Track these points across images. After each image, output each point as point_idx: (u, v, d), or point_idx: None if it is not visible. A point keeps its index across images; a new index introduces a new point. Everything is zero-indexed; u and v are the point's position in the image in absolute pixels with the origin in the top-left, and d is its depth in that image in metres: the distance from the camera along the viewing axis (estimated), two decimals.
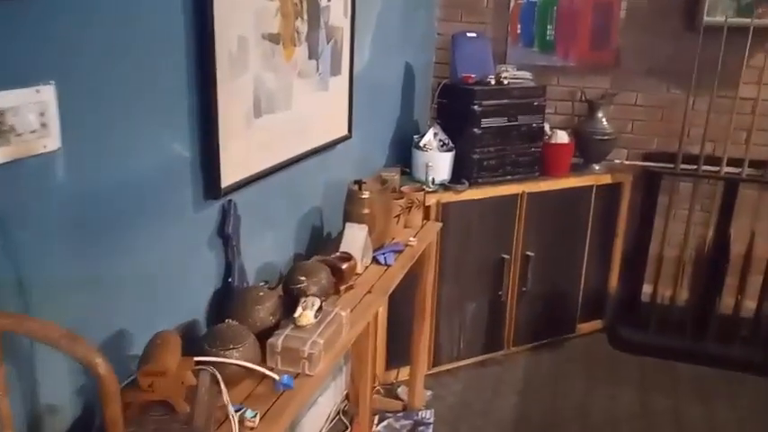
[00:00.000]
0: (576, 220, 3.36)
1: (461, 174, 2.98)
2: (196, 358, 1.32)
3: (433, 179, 2.90)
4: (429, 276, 2.63)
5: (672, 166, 3.45)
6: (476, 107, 2.94)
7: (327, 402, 2.61)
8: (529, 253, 3.21)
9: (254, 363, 1.42)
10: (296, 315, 1.53)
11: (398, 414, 2.74)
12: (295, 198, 2.15)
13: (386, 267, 2.14)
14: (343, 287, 1.89)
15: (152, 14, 1.34)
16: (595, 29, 3.48)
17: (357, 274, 2.02)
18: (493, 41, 3.37)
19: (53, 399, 1.20)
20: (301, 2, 1.96)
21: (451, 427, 2.78)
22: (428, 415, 2.73)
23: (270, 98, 1.83)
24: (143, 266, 1.40)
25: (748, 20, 3.16)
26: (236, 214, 1.72)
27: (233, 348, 1.40)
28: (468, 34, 3.18)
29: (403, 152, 3.10)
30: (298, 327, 1.52)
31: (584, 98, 3.50)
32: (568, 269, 3.42)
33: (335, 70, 2.27)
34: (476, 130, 2.96)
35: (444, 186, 2.93)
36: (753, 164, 3.34)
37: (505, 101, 3.02)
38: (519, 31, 3.55)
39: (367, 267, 2.12)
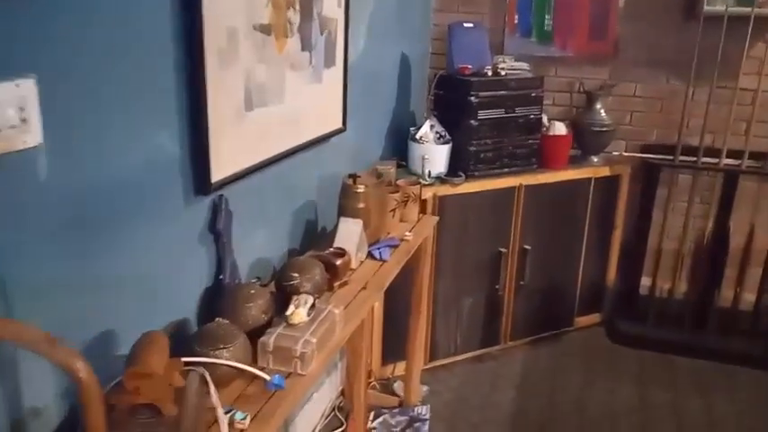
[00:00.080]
0: (574, 213, 3.32)
1: (458, 166, 2.94)
2: (185, 359, 1.29)
3: (430, 172, 2.86)
4: (425, 271, 2.60)
5: (671, 157, 3.42)
6: (472, 98, 2.90)
7: (322, 398, 2.58)
8: (526, 246, 3.18)
9: (244, 363, 1.39)
10: (288, 313, 1.49)
11: (394, 410, 2.72)
12: (288, 192, 2.11)
13: (381, 262, 2.11)
14: (337, 283, 1.86)
15: (138, 6, 1.30)
16: (594, 19, 3.43)
17: (351, 269, 1.99)
18: (490, 32, 3.33)
19: (37, 401, 1.17)
20: None
21: (448, 422, 2.76)
22: (424, 411, 2.71)
23: (261, 91, 1.79)
24: (131, 265, 1.36)
25: (749, 9, 3.11)
26: (228, 210, 1.69)
27: (223, 348, 1.36)
28: (465, 24, 3.13)
29: (399, 144, 3.06)
30: (290, 325, 1.49)
31: (582, 89, 3.46)
32: (566, 262, 3.39)
33: (329, 62, 2.23)
34: (473, 121, 2.92)
35: (441, 179, 2.89)
36: (753, 155, 3.31)
37: (503, 92, 2.98)
38: (516, 21, 3.50)
39: (362, 263, 2.08)
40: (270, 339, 1.44)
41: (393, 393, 2.86)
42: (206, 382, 1.29)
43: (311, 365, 1.45)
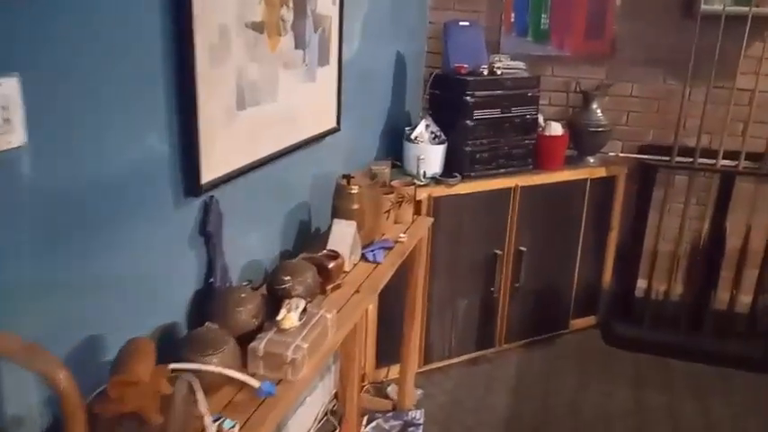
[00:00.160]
0: (570, 215, 3.30)
1: (453, 167, 2.91)
2: (171, 365, 1.25)
3: (425, 172, 2.83)
4: (420, 273, 2.57)
5: (667, 158, 3.39)
6: (468, 98, 2.87)
7: (315, 402, 2.55)
8: (522, 248, 3.15)
9: (234, 369, 1.35)
10: (279, 318, 1.46)
11: (388, 414, 2.68)
12: (281, 193, 2.07)
13: (375, 265, 2.07)
14: (329, 286, 1.82)
15: (125, 2, 1.26)
16: (591, 18, 3.40)
17: (345, 272, 1.95)
18: (486, 30, 3.30)
19: (20, 409, 1.13)
20: None
21: (442, 426, 2.73)
22: (418, 415, 2.67)
23: (254, 90, 1.76)
24: (118, 268, 1.33)
25: (746, 8, 3.09)
26: (219, 211, 1.65)
27: (212, 354, 1.32)
28: (461, 23, 3.10)
29: (394, 144, 3.02)
30: (281, 330, 1.45)
31: (578, 89, 3.43)
32: (562, 264, 3.37)
33: (323, 60, 2.19)
34: (468, 121, 2.89)
35: (436, 180, 2.86)
36: (749, 156, 3.29)
37: (499, 92, 2.95)
38: (513, 20, 3.47)
39: (355, 265, 2.05)
40: (260, 345, 1.40)
41: (387, 397, 2.83)
42: (194, 390, 1.25)
43: (302, 372, 1.42)
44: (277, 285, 1.65)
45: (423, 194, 2.75)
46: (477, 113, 2.90)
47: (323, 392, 2.60)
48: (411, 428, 2.61)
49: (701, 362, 3.26)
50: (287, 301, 1.51)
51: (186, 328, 1.59)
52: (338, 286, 1.87)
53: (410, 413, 2.69)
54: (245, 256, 1.86)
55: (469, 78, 2.88)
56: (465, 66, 2.95)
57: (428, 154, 2.85)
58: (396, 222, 2.43)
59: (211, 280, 1.65)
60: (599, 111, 3.32)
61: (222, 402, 1.33)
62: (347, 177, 2.13)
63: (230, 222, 1.71)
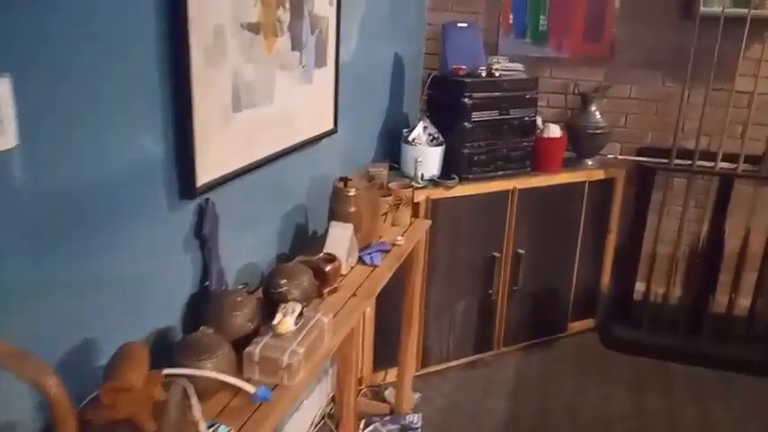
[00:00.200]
0: (568, 217, 3.28)
1: (451, 169, 2.90)
2: (165, 371, 1.23)
3: (423, 174, 2.81)
4: (417, 276, 2.55)
5: (666, 161, 3.38)
6: (466, 100, 2.85)
7: (312, 406, 2.53)
8: (520, 250, 3.13)
9: (229, 374, 1.33)
10: (275, 322, 1.44)
11: (385, 418, 2.66)
12: (278, 195, 2.06)
13: (372, 268, 2.05)
14: (326, 290, 1.81)
15: (119, 3, 1.24)
16: (589, 19, 3.39)
17: (342, 275, 1.94)
18: (484, 32, 3.29)
19: (11, 414, 1.11)
20: None
21: (439, 430, 2.71)
22: (415, 419, 2.66)
23: (250, 91, 1.74)
24: (112, 271, 1.31)
25: (745, 10, 3.08)
26: (214, 214, 1.63)
27: (206, 359, 1.31)
28: (459, 24, 3.09)
29: (391, 146, 3.01)
30: (277, 335, 1.44)
31: (577, 91, 3.42)
32: (560, 267, 3.35)
33: (320, 62, 2.17)
34: (466, 123, 2.88)
35: (434, 182, 2.84)
36: (748, 159, 3.28)
37: (497, 93, 2.93)
38: (511, 22, 3.46)
39: (352, 268, 2.03)
40: (256, 350, 1.38)
41: (384, 401, 2.81)
42: (188, 395, 1.23)
43: (299, 377, 1.40)
44: (273, 289, 1.64)
45: (420, 197, 2.74)
46: (475, 115, 2.88)
47: (320, 396, 2.58)
48: None
49: (701, 365, 3.24)
50: (283, 306, 1.49)
51: (181, 331, 1.57)
52: (335, 290, 1.85)
53: (408, 417, 2.67)
54: (242, 259, 1.84)
55: (467, 80, 2.87)
56: (463, 67, 2.94)
57: (426, 156, 2.83)
58: (393, 225, 2.42)
59: (207, 283, 1.63)
60: (597, 113, 3.30)
61: (217, 408, 1.32)
62: (344, 180, 2.11)
63: (226, 225, 1.69)
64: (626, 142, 3.53)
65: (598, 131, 3.30)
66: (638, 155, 3.52)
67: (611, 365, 3.27)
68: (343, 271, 1.95)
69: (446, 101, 2.96)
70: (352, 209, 2.09)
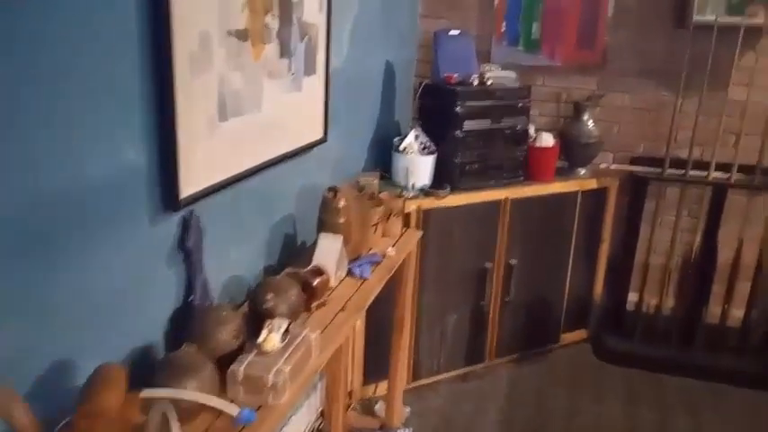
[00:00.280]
0: (561, 227, 3.24)
1: (443, 178, 2.85)
2: (143, 392, 1.18)
3: (414, 184, 2.77)
4: (408, 287, 2.50)
5: (659, 170, 3.35)
6: (458, 108, 2.82)
7: (301, 420, 2.47)
8: (512, 261, 3.09)
9: (212, 394, 1.28)
10: (260, 339, 1.39)
11: None
12: (266, 206, 2.00)
13: (362, 281, 2.01)
14: (314, 304, 1.76)
15: (100, 7, 1.19)
16: (582, 27, 3.37)
17: (330, 288, 1.89)
18: (477, 39, 3.25)
19: None
20: None
21: None
22: None
23: (237, 100, 1.69)
24: (90, 287, 1.25)
25: (739, 18, 3.06)
26: (199, 226, 1.58)
27: (188, 379, 1.25)
28: (451, 32, 3.06)
29: (383, 155, 2.96)
30: (262, 352, 1.39)
31: (567, 100, 3.39)
32: (552, 277, 3.31)
33: (309, 69, 2.13)
34: (458, 132, 2.84)
35: (425, 192, 2.80)
36: (741, 169, 3.25)
37: (489, 102, 2.90)
38: (504, 29, 3.43)
39: (342, 281, 1.98)
40: (240, 368, 1.33)
41: (374, 415, 2.76)
42: (168, 418, 1.18)
43: (284, 396, 1.35)
44: (259, 304, 1.58)
45: (412, 207, 2.69)
46: (467, 124, 2.85)
47: (308, 411, 2.52)
48: None
49: (693, 377, 3.21)
50: (268, 322, 1.44)
51: (164, 348, 1.51)
52: (323, 303, 1.80)
53: (398, 431, 2.62)
54: (228, 272, 1.79)
55: (459, 88, 2.83)
56: (455, 75, 2.90)
57: (417, 165, 2.79)
58: (384, 236, 2.37)
59: (191, 298, 1.57)
60: (590, 122, 3.27)
61: (200, 430, 1.26)
62: (334, 190, 2.06)
63: (211, 237, 1.64)
64: (619, 151, 3.50)
65: (591, 140, 3.27)
66: (631, 164, 3.49)
67: (603, 377, 3.23)
68: (332, 284, 1.90)
69: (438, 109, 2.93)
70: (342, 220, 2.04)
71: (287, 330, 1.45)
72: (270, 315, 1.55)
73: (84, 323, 1.25)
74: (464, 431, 2.76)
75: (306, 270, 1.80)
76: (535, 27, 3.40)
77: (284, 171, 2.05)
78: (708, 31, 3.09)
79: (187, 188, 1.50)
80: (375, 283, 2.02)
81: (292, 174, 2.14)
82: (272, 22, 1.84)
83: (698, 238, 3.42)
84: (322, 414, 2.58)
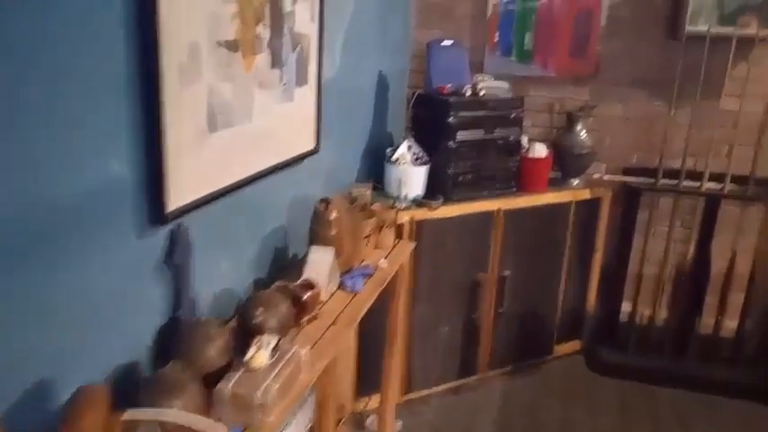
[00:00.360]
0: (554, 238, 3.23)
1: (436, 189, 2.83)
2: (126, 414, 1.15)
3: (406, 195, 2.75)
4: (401, 299, 2.47)
5: (652, 180, 3.35)
6: (451, 119, 2.80)
7: None
8: (505, 272, 3.07)
9: (198, 413, 1.25)
10: (248, 357, 1.36)
11: None
12: (256, 218, 1.98)
13: (353, 294, 1.98)
14: (305, 318, 1.73)
15: (85, 13, 1.17)
16: (575, 38, 3.36)
17: (321, 302, 1.86)
18: (470, 50, 3.24)
19: None
20: (263, 5, 1.79)
21: None
22: None
23: (227, 111, 1.67)
24: (73, 303, 1.22)
25: (731, 29, 3.07)
26: (187, 240, 1.55)
27: (173, 398, 1.22)
28: (444, 42, 3.05)
29: (375, 166, 2.94)
30: (250, 370, 1.36)
31: (560, 111, 3.38)
32: (546, 289, 3.29)
33: (301, 80, 2.11)
34: (451, 143, 2.82)
35: (418, 203, 2.78)
36: (735, 179, 3.25)
37: (482, 112, 2.89)
38: (497, 40, 3.42)
39: (333, 294, 1.95)
40: (227, 387, 1.30)
41: (366, 429, 2.72)
42: None
43: (273, 415, 1.32)
44: (248, 319, 1.55)
45: (404, 218, 2.67)
46: (460, 135, 2.83)
47: (297, 427, 2.49)
48: None
49: (687, 388, 3.20)
50: (257, 338, 1.41)
51: (150, 365, 1.48)
52: (314, 318, 1.77)
53: None
54: (216, 286, 1.76)
55: (452, 99, 2.82)
56: (448, 86, 2.89)
57: (410, 176, 2.77)
58: (376, 247, 2.34)
59: (178, 313, 1.54)
60: (583, 132, 3.26)
61: None
62: (325, 202, 2.04)
63: (200, 250, 1.61)
64: (612, 162, 3.49)
65: (584, 151, 3.26)
66: (624, 174, 3.48)
67: (597, 389, 3.21)
68: (323, 297, 1.87)
69: (431, 120, 2.91)
70: (334, 232, 2.01)
71: (276, 347, 1.42)
72: (259, 330, 1.52)
73: (66, 340, 1.22)
74: None
75: (296, 284, 1.77)
76: (528, 37, 3.39)
77: (275, 182, 2.03)
78: (700, 41, 3.09)
79: (175, 201, 1.47)
80: (367, 296, 1.99)
81: (284, 185, 2.12)
82: (264, 32, 1.81)
83: (691, 249, 3.41)
84: (312, 430, 2.55)
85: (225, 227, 1.77)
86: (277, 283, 1.80)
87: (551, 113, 3.49)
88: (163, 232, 1.48)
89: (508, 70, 3.39)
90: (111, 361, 1.35)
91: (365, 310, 1.93)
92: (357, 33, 2.65)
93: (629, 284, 3.48)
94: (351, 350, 2.65)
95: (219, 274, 1.78)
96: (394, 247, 2.40)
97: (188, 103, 1.48)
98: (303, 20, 2.07)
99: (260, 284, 1.98)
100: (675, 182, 3.30)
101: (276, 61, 1.91)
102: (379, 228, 2.33)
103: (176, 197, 1.47)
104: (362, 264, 2.18)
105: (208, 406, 1.30)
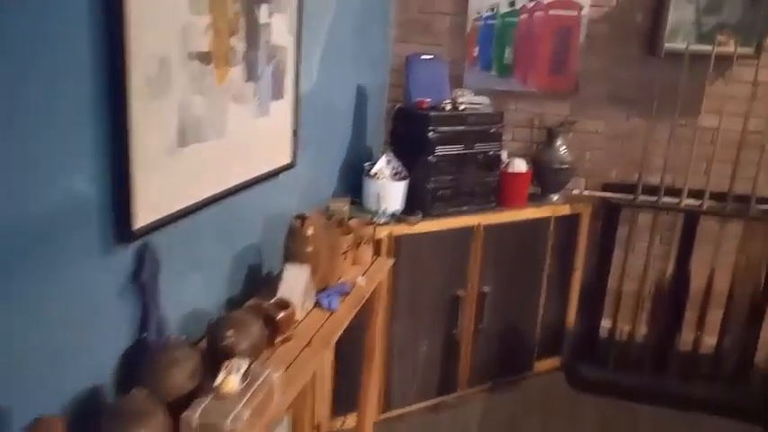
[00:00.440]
0: (534, 253, 3.20)
1: (415, 204, 2.80)
2: None
3: (385, 210, 2.71)
4: (379, 317, 2.43)
5: (631, 196, 3.34)
6: (430, 134, 2.77)
7: None
8: (485, 288, 3.03)
9: None
10: (217, 382, 1.30)
11: None
12: (229, 235, 1.92)
13: (330, 312, 1.93)
14: (278, 339, 1.67)
15: (47, 23, 1.11)
16: (555, 53, 3.35)
17: (296, 321, 1.80)
18: (450, 64, 3.22)
19: None
20: (238, 17, 1.75)
21: None
22: None
23: (198, 125, 1.61)
24: (31, 326, 1.16)
25: (709, 47, 3.08)
26: (155, 258, 1.49)
27: (136, 427, 1.16)
28: (423, 56, 3.02)
29: (354, 180, 2.89)
30: (220, 396, 1.30)
31: (539, 126, 3.37)
32: (525, 305, 3.26)
33: (277, 94, 2.06)
34: (430, 157, 2.79)
35: (397, 218, 2.74)
36: (713, 196, 3.25)
37: (461, 127, 2.86)
38: (476, 54, 3.40)
39: (309, 313, 1.90)
40: (194, 415, 1.24)
41: None
42: None
43: None
44: (218, 341, 1.49)
45: (383, 233, 2.63)
46: (440, 149, 2.80)
47: None
48: None
49: (666, 405, 3.18)
50: (227, 363, 1.35)
51: (115, 391, 1.41)
52: (288, 338, 1.72)
53: None
54: (187, 306, 1.70)
55: (431, 113, 2.79)
56: (427, 100, 2.86)
57: (389, 191, 2.73)
58: (354, 264, 2.30)
59: (145, 335, 1.48)
60: (563, 147, 3.25)
61: None
62: (301, 218, 1.99)
63: (169, 269, 1.55)
64: (591, 177, 3.48)
65: (563, 166, 3.24)
66: (604, 190, 3.47)
67: (577, 406, 3.18)
68: (299, 316, 1.82)
69: (410, 134, 2.88)
70: (310, 248, 1.96)
71: (247, 371, 1.37)
72: (230, 352, 1.46)
73: (23, 367, 1.15)
74: None
75: (269, 303, 1.71)
76: (508, 52, 3.38)
77: (249, 198, 1.97)
78: (679, 58, 3.10)
79: (143, 217, 1.41)
80: (344, 314, 1.94)
81: (258, 200, 2.06)
82: (238, 44, 1.77)
83: (670, 265, 3.41)
84: None
85: (196, 244, 1.72)
86: (249, 303, 1.75)
87: (531, 128, 3.48)
88: (129, 250, 1.42)
89: (488, 85, 3.37)
90: (72, 387, 1.29)
91: (342, 329, 1.88)
92: (336, 46, 2.61)
93: (609, 300, 3.46)
94: (327, 368, 2.59)
95: (190, 293, 1.72)
96: (372, 263, 2.36)
97: (157, 116, 1.43)
98: (280, 32, 2.03)
99: (233, 303, 1.92)
100: (655, 198, 3.30)
101: (251, 74, 1.87)
102: (357, 244, 2.29)
103: (144, 214, 1.42)
104: (339, 281, 2.13)
105: None
